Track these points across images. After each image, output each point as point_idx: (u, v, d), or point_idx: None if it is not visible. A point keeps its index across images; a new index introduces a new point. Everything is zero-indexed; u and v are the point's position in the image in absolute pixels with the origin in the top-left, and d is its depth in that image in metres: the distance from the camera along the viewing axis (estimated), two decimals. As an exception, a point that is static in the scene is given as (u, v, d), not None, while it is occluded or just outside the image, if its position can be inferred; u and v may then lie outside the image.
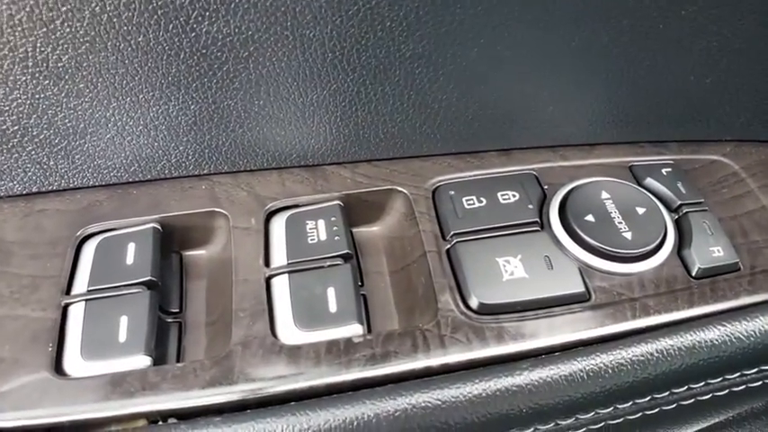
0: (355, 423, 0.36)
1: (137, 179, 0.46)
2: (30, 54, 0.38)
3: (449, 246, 0.44)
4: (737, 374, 0.41)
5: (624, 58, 0.44)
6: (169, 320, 0.43)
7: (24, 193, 0.45)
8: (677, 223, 0.45)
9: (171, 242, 0.46)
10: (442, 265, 0.43)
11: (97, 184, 0.46)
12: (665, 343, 0.39)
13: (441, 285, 0.41)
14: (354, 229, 0.48)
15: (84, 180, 0.45)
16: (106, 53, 0.38)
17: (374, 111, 0.44)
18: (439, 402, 0.37)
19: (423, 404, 0.36)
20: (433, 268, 0.42)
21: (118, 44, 0.38)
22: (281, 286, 0.42)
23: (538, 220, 0.45)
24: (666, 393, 0.40)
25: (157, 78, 0.40)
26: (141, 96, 0.41)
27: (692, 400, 0.41)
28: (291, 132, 0.45)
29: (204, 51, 0.39)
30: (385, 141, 0.47)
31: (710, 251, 0.43)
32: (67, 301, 0.40)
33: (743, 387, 0.42)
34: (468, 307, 0.41)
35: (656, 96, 0.48)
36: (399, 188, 0.47)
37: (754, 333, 0.40)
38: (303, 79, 0.42)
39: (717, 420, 0.47)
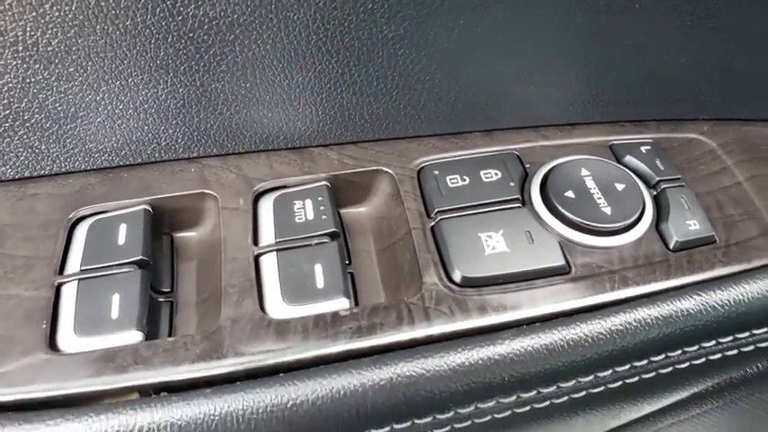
0: (342, 393, 0.37)
1: (127, 163, 0.47)
2: (20, 38, 0.38)
3: (433, 223, 0.45)
4: (713, 343, 0.42)
5: (601, 38, 0.45)
6: (160, 299, 0.44)
7: (17, 177, 0.46)
8: (655, 199, 0.47)
9: (161, 224, 0.47)
10: (426, 241, 0.44)
11: (88, 168, 0.47)
12: (643, 313, 0.40)
13: (425, 261, 0.43)
14: (342, 210, 0.49)
15: (75, 164, 0.46)
16: (95, 37, 0.39)
17: (359, 92, 0.46)
18: (423, 372, 0.38)
19: (408, 373, 0.38)
20: (418, 244, 0.43)
21: (106, 28, 0.39)
22: (269, 264, 0.43)
23: (519, 197, 0.46)
24: (645, 362, 0.41)
25: (146, 62, 0.41)
26: (131, 80, 0.42)
27: (671, 369, 0.43)
28: (278, 115, 0.46)
29: (191, 35, 0.40)
30: (370, 123, 0.48)
31: (687, 225, 0.45)
32: (60, 281, 0.41)
33: (719, 356, 0.43)
34: (451, 281, 0.42)
35: (634, 76, 0.49)
36: (385, 169, 0.48)
37: (728, 302, 0.41)
38: (288, 61, 0.43)
39: (696, 390, 0.48)
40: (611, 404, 0.46)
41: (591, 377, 0.41)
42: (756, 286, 0.42)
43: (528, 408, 0.40)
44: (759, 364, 0.48)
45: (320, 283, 0.41)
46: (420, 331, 0.40)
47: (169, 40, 0.40)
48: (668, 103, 0.51)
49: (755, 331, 0.43)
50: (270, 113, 0.46)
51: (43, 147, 0.45)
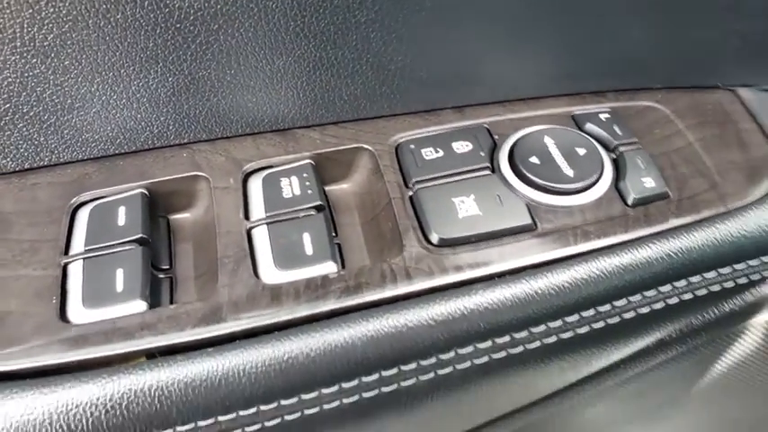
0: (333, 345, 0.41)
1: (122, 151, 0.50)
2: (18, 35, 0.41)
3: (411, 192, 0.48)
4: (669, 287, 0.46)
5: (562, 16, 0.49)
6: (161, 276, 0.47)
7: (17, 169, 0.49)
8: (614, 161, 0.51)
9: (157, 207, 0.50)
10: (406, 209, 0.47)
11: (86, 157, 0.50)
12: (604, 262, 0.44)
13: (405, 226, 0.46)
14: (326, 188, 0.53)
15: (73, 154, 0.49)
16: (88, 31, 0.42)
17: (336, 74, 0.49)
18: (406, 323, 0.41)
19: (392, 325, 0.41)
20: (398, 213, 0.47)
21: (98, 21, 0.42)
22: (260, 235, 0.46)
23: (489, 165, 0.50)
24: (608, 307, 0.45)
25: (137, 53, 0.44)
26: (123, 71, 0.45)
27: (634, 314, 0.47)
28: (262, 99, 0.50)
29: (178, 26, 0.43)
30: (349, 103, 0.51)
31: (643, 183, 0.49)
32: (66, 261, 0.44)
33: (676, 300, 0.47)
34: (429, 243, 0.45)
35: (594, 51, 0.53)
36: (365, 146, 0.51)
37: (681, 250, 0.45)
38: (269, 48, 0.46)
39: (660, 336, 0.52)
40: (582, 350, 0.49)
41: (559, 322, 0.44)
42: (705, 234, 0.46)
43: (504, 353, 0.44)
44: (715, 310, 0.52)
45: (309, 250, 0.45)
46: (402, 288, 0.43)
47: (157, 31, 0.43)
48: (625, 75, 0.55)
49: (706, 275, 0.47)
50: (254, 98, 0.49)
51: (42, 138, 0.47)
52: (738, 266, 0.48)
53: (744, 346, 0.60)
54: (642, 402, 0.66)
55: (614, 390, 0.59)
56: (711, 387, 0.64)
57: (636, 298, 0.46)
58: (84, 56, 0.44)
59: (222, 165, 0.50)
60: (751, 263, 0.48)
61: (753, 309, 0.54)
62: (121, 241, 0.45)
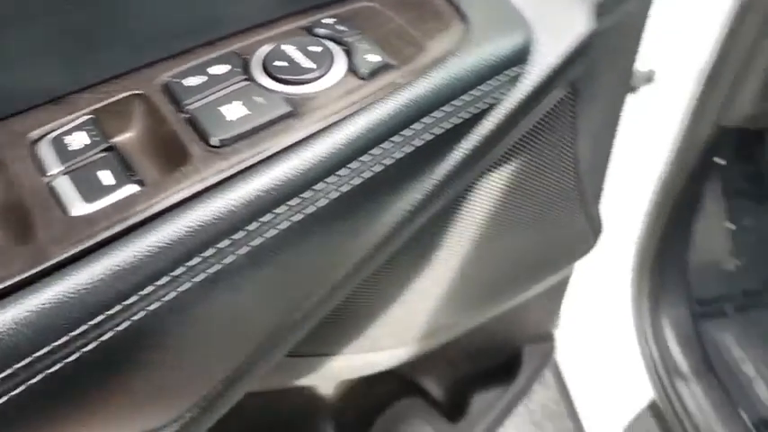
0: (153, 246, 0.48)
1: None
2: None
3: (187, 115, 0.56)
4: (410, 131, 0.59)
5: None
6: None
7: None
8: (346, 51, 0.62)
9: None
10: (186, 129, 0.55)
11: None
12: (352, 126, 0.56)
13: (189, 140, 0.54)
14: (113, 140, 0.59)
15: None
16: None
17: (90, 42, 0.56)
18: (212, 210, 0.50)
19: (201, 215, 0.50)
20: (179, 131, 0.55)
21: None
22: (63, 184, 0.52)
23: (246, 77, 0.59)
24: (362, 162, 0.57)
25: None
26: None
27: (391, 160, 0.59)
28: (29, 74, 0.55)
29: None
30: (110, 62, 0.58)
31: (370, 59, 0.61)
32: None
33: (420, 141, 0.61)
34: (211, 146, 0.54)
35: None
36: (138, 92, 0.58)
37: (410, 100, 0.58)
38: (23, 23, 0.52)
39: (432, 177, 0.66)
40: (366, 203, 0.61)
41: (334, 177, 0.56)
42: (427, 83, 0.59)
43: (301, 215, 0.54)
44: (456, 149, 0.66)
45: (111, 181, 0.52)
46: (198, 186, 0.52)
47: None
48: None
49: (434, 114, 0.61)
50: (23, 74, 0.54)
51: None
52: (456, 102, 0.62)
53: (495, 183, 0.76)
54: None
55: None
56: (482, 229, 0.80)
57: (387, 145, 0.58)
58: None
59: (8, 140, 0.54)
60: (464, 97, 0.62)
61: (485, 148, 0.68)
62: None
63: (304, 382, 0.89)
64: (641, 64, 1.27)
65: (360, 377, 1.24)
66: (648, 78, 1.25)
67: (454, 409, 1.33)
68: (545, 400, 2.23)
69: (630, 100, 1.31)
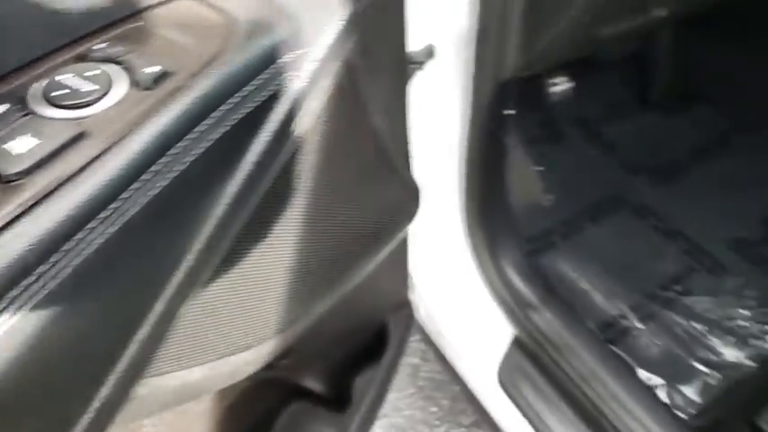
0: None
1: None
2: None
3: None
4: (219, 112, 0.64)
5: None
6: None
7: None
8: (125, 69, 0.65)
9: None
10: None
11: None
12: (153, 129, 0.60)
13: None
14: None
15: None
16: None
17: None
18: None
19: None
20: None
21: None
22: None
23: (26, 111, 0.60)
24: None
25: None
26: None
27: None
28: None
29: None
30: None
31: (148, 72, 0.64)
32: None
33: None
34: (5, 182, 0.55)
35: None
36: None
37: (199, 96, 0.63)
38: None
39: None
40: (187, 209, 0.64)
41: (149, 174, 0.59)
42: (211, 77, 0.64)
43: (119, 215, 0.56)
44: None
45: None
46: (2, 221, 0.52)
47: None
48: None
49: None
50: None
51: None
52: (241, 93, 0.67)
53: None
54: None
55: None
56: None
57: (185, 143, 0.62)
58: None
59: None
60: (247, 88, 0.68)
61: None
62: None
63: (178, 401, 0.89)
64: (420, 42, 1.40)
65: (240, 396, 1.25)
66: (430, 53, 1.38)
67: (340, 398, 1.38)
68: (431, 374, 2.35)
69: (421, 75, 1.45)
